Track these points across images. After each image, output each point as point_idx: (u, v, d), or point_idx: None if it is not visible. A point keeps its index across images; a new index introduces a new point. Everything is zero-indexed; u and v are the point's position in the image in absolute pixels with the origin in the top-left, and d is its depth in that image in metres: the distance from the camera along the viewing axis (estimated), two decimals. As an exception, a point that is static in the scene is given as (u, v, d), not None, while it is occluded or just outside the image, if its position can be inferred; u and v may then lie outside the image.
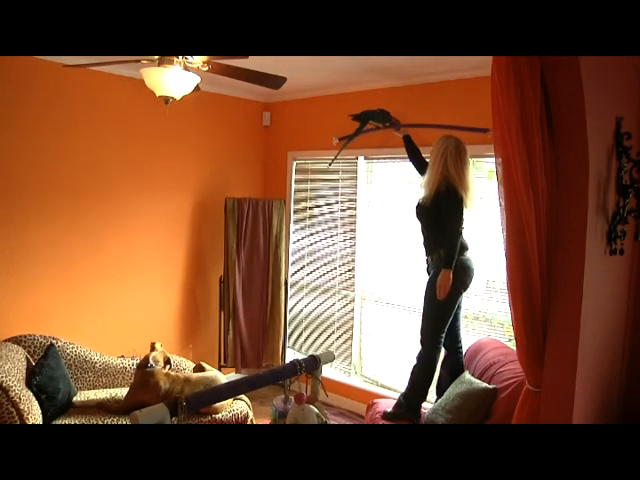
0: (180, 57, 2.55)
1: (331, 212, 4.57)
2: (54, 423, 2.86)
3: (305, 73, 3.95)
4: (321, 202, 4.65)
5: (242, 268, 4.47)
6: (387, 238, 4.24)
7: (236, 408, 3.42)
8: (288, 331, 4.87)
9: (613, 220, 1.97)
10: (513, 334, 2.08)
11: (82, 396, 3.25)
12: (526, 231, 1.86)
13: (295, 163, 4.86)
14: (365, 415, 3.48)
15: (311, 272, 4.76)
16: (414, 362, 3.25)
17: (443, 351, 3.27)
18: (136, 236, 4.06)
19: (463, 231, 3.11)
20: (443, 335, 3.14)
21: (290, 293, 4.91)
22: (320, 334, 4.71)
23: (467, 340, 3.63)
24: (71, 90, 3.57)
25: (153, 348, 3.28)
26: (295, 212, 4.87)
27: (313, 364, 2.36)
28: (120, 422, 2.96)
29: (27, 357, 3.06)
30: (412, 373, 3.24)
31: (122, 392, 3.32)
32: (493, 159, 1.98)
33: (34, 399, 2.77)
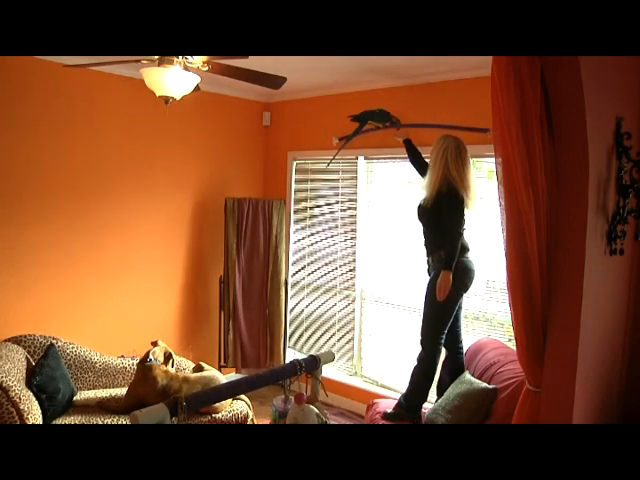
0: (180, 57, 2.55)
1: (331, 212, 4.57)
2: (54, 423, 2.86)
3: (305, 73, 3.95)
4: (321, 202, 4.65)
5: (242, 268, 4.47)
6: (387, 238, 4.24)
7: (236, 408, 3.42)
8: (289, 331, 4.87)
9: (613, 220, 1.97)
10: (513, 334, 2.08)
11: (82, 396, 3.25)
12: (526, 231, 1.86)
13: (295, 163, 4.86)
14: (365, 415, 3.48)
15: (312, 272, 4.76)
16: (414, 363, 3.25)
17: (444, 352, 3.27)
18: (136, 236, 4.06)
19: (464, 232, 3.10)
20: (443, 336, 3.14)
21: (291, 293, 4.91)
22: (321, 334, 4.71)
23: (467, 340, 3.63)
24: (71, 90, 3.57)
25: (156, 345, 3.30)
26: (295, 212, 4.87)
27: (313, 364, 2.36)
28: (120, 422, 2.96)
29: (27, 357, 3.06)
30: (412, 374, 3.23)
31: (122, 392, 3.32)
32: (493, 159, 1.98)
33: (34, 399, 2.77)
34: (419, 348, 3.22)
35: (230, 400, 3.45)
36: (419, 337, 3.22)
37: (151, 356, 3.17)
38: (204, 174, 4.55)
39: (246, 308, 4.50)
